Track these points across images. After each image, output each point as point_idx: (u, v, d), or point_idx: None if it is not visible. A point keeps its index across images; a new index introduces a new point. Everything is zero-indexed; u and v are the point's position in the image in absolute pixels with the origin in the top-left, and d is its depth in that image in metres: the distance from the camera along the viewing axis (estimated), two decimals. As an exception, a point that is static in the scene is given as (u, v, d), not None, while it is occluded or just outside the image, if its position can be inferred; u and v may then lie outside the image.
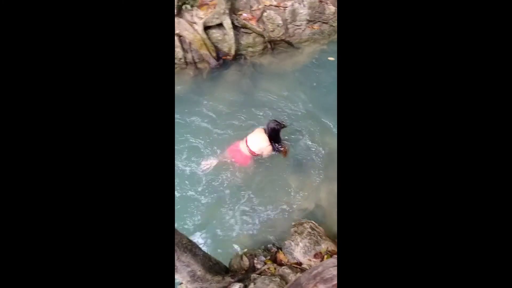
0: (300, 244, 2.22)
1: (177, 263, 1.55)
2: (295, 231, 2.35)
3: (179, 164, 2.89)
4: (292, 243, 2.25)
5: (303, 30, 4.06)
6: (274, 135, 2.66)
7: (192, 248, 1.65)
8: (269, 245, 2.35)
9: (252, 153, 2.71)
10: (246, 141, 2.74)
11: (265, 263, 2.14)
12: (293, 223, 2.49)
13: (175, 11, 3.46)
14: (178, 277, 1.64)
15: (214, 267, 1.85)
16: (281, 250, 2.28)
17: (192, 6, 3.60)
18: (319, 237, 2.27)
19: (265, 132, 2.66)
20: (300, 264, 2.16)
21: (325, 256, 2.13)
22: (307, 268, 2.09)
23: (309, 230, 2.32)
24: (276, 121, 2.65)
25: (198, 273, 1.67)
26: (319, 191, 2.78)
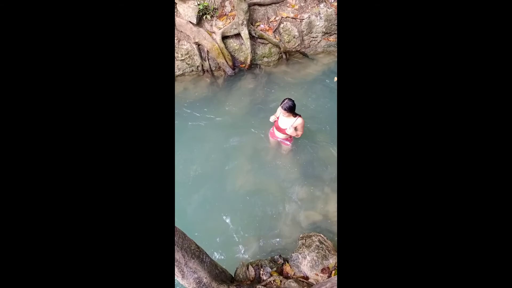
0: (308, 257, 2.18)
1: (184, 269, 1.56)
2: (303, 244, 2.31)
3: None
4: (300, 256, 2.21)
5: (318, 42, 4.10)
6: (291, 110, 2.60)
7: (200, 255, 1.66)
8: (275, 256, 2.32)
9: (282, 130, 2.74)
10: (276, 125, 2.78)
11: (271, 275, 2.11)
12: (301, 235, 2.45)
13: (195, 21, 3.59)
14: (184, 283, 1.64)
15: (220, 275, 1.85)
16: (288, 262, 2.24)
17: (212, 16, 3.72)
18: (327, 252, 2.22)
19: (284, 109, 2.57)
20: (306, 278, 2.12)
21: (333, 272, 2.08)
22: (314, 282, 2.05)
23: (317, 243, 2.28)
24: (290, 100, 2.58)
25: (204, 280, 1.67)
26: (328, 204, 2.74)
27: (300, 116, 2.66)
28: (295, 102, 2.58)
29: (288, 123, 2.69)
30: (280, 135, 2.88)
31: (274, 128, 2.88)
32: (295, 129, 2.68)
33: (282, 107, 2.57)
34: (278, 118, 2.76)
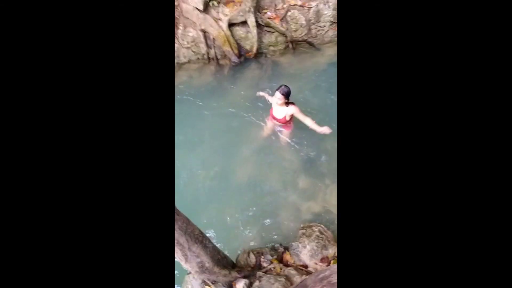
0: (308, 246, 2.23)
1: (188, 253, 1.61)
2: (303, 233, 2.36)
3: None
4: (300, 245, 2.26)
5: (326, 32, 4.01)
6: (287, 96, 2.66)
7: (203, 240, 1.70)
8: (276, 245, 2.37)
9: (277, 120, 2.82)
10: (271, 113, 2.85)
11: (271, 262, 2.17)
12: (301, 225, 2.50)
13: (202, 7, 3.52)
14: (187, 267, 1.70)
15: (222, 260, 1.90)
16: (288, 251, 2.30)
17: (218, 3, 3.64)
18: (327, 242, 2.26)
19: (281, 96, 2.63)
20: (306, 266, 2.17)
21: (332, 261, 2.13)
22: (313, 271, 2.10)
23: (318, 233, 2.32)
24: (286, 86, 2.62)
25: (207, 264, 1.72)
26: (330, 195, 2.76)
27: (293, 104, 2.68)
28: (291, 90, 2.61)
29: (281, 113, 2.71)
30: (276, 123, 2.92)
31: (271, 117, 2.92)
32: (289, 120, 2.73)
33: (280, 91, 2.58)
34: (272, 108, 2.81)
